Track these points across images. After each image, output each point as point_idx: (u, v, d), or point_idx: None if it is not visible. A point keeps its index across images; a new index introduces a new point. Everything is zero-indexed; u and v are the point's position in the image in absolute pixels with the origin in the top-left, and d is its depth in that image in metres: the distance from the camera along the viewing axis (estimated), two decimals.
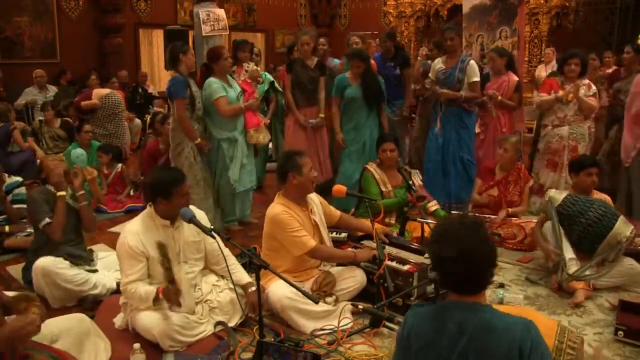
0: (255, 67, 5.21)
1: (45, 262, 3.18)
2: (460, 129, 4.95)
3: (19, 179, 4.29)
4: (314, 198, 3.33)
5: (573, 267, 3.42)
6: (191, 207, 2.90)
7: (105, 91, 6.73)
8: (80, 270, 3.30)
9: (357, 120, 4.92)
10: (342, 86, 4.91)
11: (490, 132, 5.23)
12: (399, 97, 5.60)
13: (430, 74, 5.11)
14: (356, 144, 4.94)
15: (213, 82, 4.34)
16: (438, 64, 5.00)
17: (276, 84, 5.71)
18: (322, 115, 5.17)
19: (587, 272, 3.39)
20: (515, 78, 5.11)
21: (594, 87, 4.70)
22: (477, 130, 5.34)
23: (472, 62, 4.89)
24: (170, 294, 2.66)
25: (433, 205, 4.20)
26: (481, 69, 5.39)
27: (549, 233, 3.63)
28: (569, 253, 3.47)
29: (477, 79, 4.85)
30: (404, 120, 5.83)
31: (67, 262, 3.28)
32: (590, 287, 3.39)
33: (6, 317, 2.05)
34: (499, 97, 4.99)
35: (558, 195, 3.66)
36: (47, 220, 3.27)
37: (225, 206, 4.65)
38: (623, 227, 3.38)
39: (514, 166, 4.47)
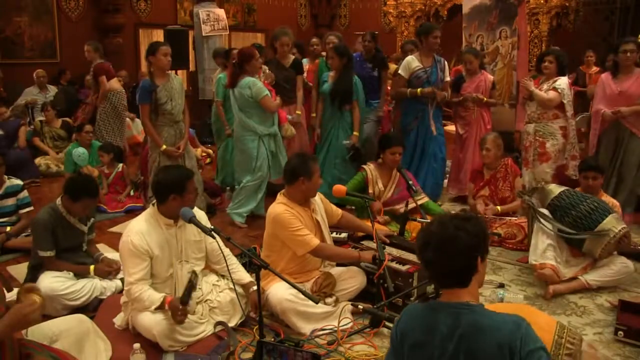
0: (268, 69, 5.33)
1: (46, 287, 3.04)
2: (439, 126, 5.12)
3: (20, 182, 4.27)
4: (316, 197, 3.34)
5: (549, 252, 3.48)
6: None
7: (118, 87, 6.75)
8: (85, 281, 3.24)
9: (324, 116, 5.07)
10: (322, 82, 5.08)
11: (473, 130, 5.36)
12: (375, 98, 5.60)
13: (401, 72, 5.05)
14: (322, 139, 5.12)
15: (256, 81, 4.47)
16: (414, 62, 4.97)
17: None
18: (298, 112, 5.24)
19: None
20: (490, 77, 5.36)
21: (558, 82, 4.62)
22: (460, 131, 5.40)
23: (445, 61, 5.09)
24: (177, 313, 2.68)
25: (422, 199, 4.22)
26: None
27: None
28: (547, 239, 3.52)
29: (449, 78, 5.12)
30: (377, 121, 5.82)
31: (71, 276, 3.23)
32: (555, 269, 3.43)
33: None
34: (485, 99, 5.23)
35: (556, 188, 3.68)
36: (48, 254, 3.21)
37: (242, 199, 4.73)
38: (612, 222, 3.37)
39: (499, 163, 4.50)
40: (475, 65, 5.36)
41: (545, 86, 4.70)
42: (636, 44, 4.50)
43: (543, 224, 3.54)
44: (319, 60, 5.71)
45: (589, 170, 3.74)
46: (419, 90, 4.90)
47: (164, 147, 4.30)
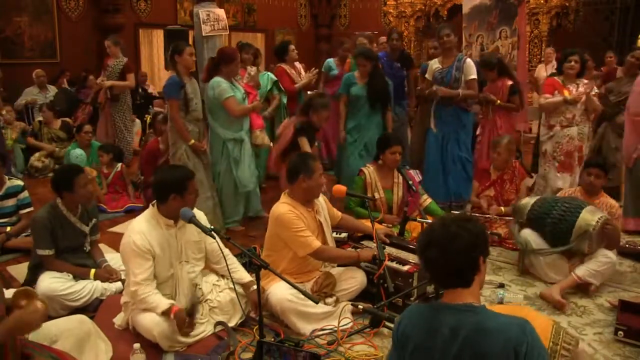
0: (256, 71, 5.23)
1: (46, 287, 3.06)
2: (459, 129, 4.98)
3: (21, 182, 4.27)
4: (319, 198, 3.33)
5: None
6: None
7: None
8: (86, 282, 3.23)
9: (359, 120, 4.94)
10: (348, 84, 4.96)
11: (486, 134, 5.26)
12: (403, 98, 5.56)
13: (427, 75, 5.12)
14: (358, 144, 4.95)
15: (222, 82, 4.32)
16: (435, 64, 5.00)
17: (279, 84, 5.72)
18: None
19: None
20: (509, 82, 5.08)
21: (595, 87, 4.71)
22: (476, 132, 5.37)
23: (469, 60, 4.92)
24: (182, 323, 2.69)
25: (426, 200, 4.20)
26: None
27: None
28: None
29: (474, 76, 4.86)
30: (407, 122, 5.81)
31: (70, 277, 3.22)
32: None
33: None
34: (498, 102, 5.01)
35: (527, 201, 3.70)
36: (47, 252, 3.19)
37: (227, 207, 4.65)
38: (587, 217, 3.38)
39: (508, 165, 4.49)
40: (490, 76, 5.10)
41: (581, 89, 4.63)
42: None
43: (545, 255, 3.57)
44: (351, 62, 5.58)
45: (593, 167, 3.73)
46: (426, 91, 4.92)
47: (192, 141, 4.25)
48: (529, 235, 3.64)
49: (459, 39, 6.72)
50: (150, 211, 2.91)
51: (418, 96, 5.81)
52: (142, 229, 2.81)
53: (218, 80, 4.33)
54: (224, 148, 4.47)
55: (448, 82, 4.84)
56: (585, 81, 4.69)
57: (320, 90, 5.32)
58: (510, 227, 4.01)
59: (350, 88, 4.93)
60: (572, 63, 4.63)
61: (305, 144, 4.46)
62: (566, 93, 4.65)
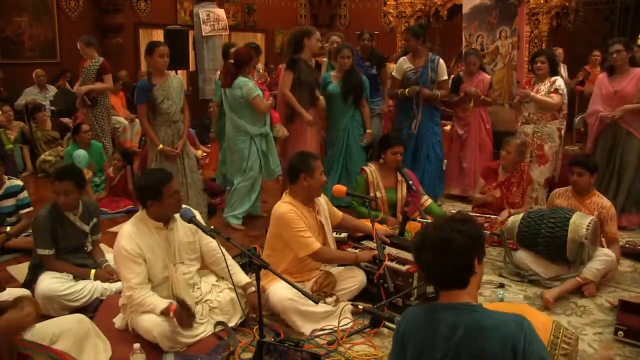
0: (264, 68, 5.29)
1: (46, 287, 3.07)
2: (434, 126, 5.13)
3: (20, 182, 4.26)
4: (320, 198, 3.33)
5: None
6: (185, 206, 2.90)
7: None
8: (86, 282, 3.23)
9: (333, 114, 5.03)
10: (325, 83, 5.04)
11: (472, 130, 5.37)
12: (375, 96, 5.59)
13: (394, 73, 5.19)
14: (333, 140, 5.05)
15: (248, 82, 4.47)
16: (405, 63, 5.09)
17: None
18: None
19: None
20: (488, 77, 5.41)
21: (558, 83, 4.68)
22: (460, 131, 5.42)
23: (442, 61, 5.06)
24: (182, 317, 2.68)
25: (426, 201, 4.21)
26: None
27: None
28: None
29: (446, 77, 5.09)
30: (379, 119, 5.81)
31: (70, 277, 3.22)
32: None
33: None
34: (482, 96, 5.21)
35: (515, 222, 3.67)
36: (47, 252, 3.19)
37: (236, 201, 4.71)
38: (577, 229, 3.36)
39: (516, 167, 4.47)
40: (477, 66, 5.40)
41: (542, 87, 4.70)
42: (623, 44, 4.51)
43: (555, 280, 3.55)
44: (325, 61, 5.66)
45: (574, 166, 3.73)
46: (406, 90, 4.99)
47: (161, 146, 4.31)
48: (525, 258, 3.64)
49: (457, 38, 6.76)
50: (139, 215, 2.89)
51: (391, 96, 5.78)
52: (129, 233, 2.79)
53: (244, 80, 4.46)
54: (252, 143, 4.57)
55: (425, 82, 4.96)
56: (554, 79, 4.71)
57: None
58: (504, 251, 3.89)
59: (326, 87, 5.02)
60: (538, 64, 4.74)
61: (288, 79, 4.70)
62: (520, 92, 4.82)
